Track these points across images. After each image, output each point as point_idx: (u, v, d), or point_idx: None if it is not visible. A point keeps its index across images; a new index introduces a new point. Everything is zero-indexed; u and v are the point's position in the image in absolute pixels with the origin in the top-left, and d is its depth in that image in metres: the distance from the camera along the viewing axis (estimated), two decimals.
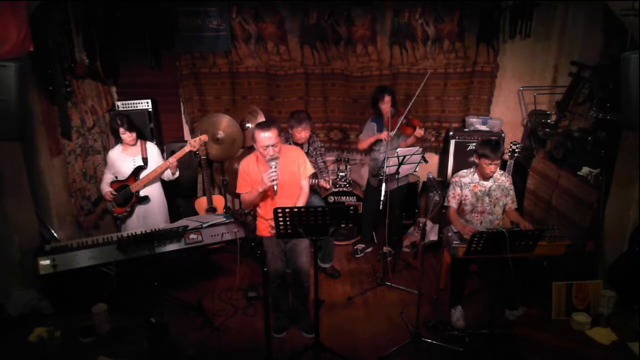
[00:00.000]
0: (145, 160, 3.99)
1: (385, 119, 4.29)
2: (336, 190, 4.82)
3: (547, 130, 4.75)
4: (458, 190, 3.70)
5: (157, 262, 3.58)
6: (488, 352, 3.37)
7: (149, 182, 3.96)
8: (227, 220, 3.77)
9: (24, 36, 2.88)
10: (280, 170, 3.14)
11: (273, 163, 3.11)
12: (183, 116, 5.24)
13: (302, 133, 4.08)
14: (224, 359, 3.41)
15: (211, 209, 4.52)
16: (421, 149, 4.26)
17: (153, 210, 4.05)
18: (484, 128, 5.02)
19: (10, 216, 3.51)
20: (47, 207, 4.10)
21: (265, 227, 3.36)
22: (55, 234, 4.09)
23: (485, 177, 3.64)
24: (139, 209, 4.02)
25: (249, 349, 3.50)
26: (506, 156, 3.97)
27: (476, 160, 3.64)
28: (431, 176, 3.59)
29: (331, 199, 4.90)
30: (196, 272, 4.48)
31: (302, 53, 4.99)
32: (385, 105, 4.30)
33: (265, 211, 3.35)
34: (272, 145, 3.11)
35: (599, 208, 3.79)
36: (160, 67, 4.97)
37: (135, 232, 3.57)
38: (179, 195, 4.81)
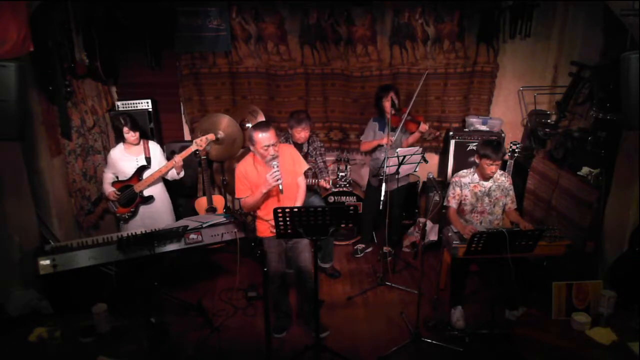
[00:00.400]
0: (148, 159, 3.98)
1: (387, 117, 4.27)
2: (336, 190, 4.81)
3: (547, 130, 4.75)
4: (458, 190, 3.70)
5: (157, 262, 3.58)
6: (488, 352, 3.37)
7: (153, 181, 3.94)
8: (227, 220, 3.77)
9: (24, 36, 2.88)
10: (280, 169, 3.15)
11: (275, 163, 3.12)
12: (183, 116, 5.24)
13: (301, 133, 4.09)
14: (224, 359, 3.41)
15: (211, 209, 4.52)
16: (421, 149, 4.26)
17: (158, 210, 4.05)
18: (484, 128, 5.02)
19: (10, 216, 3.51)
20: (47, 207, 4.09)
21: (265, 227, 3.36)
22: (55, 234, 4.09)
23: (485, 177, 3.64)
24: (144, 210, 4.00)
25: (249, 349, 3.50)
26: (506, 156, 3.97)
27: (477, 161, 3.64)
28: (431, 176, 3.60)
29: (331, 199, 4.89)
30: (196, 272, 4.47)
31: (302, 53, 4.99)
32: (389, 103, 4.30)
33: (266, 212, 3.33)
34: (273, 145, 3.12)
35: (599, 208, 3.80)
36: (160, 67, 4.97)
37: (135, 232, 3.57)
38: (179, 195, 4.81)
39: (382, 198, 4.07)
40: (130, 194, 3.94)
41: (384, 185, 4.08)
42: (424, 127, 4.24)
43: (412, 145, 4.44)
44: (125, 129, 3.85)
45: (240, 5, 4.80)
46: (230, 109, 5.12)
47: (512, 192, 3.72)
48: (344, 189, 4.84)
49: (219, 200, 4.60)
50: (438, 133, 4.91)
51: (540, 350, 2.85)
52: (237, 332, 3.70)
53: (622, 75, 2.91)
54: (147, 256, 3.46)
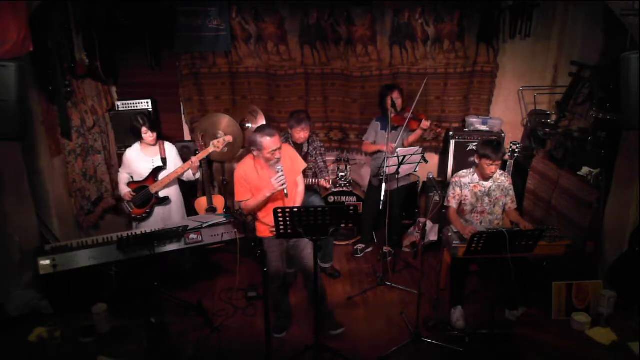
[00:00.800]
0: (164, 160, 3.97)
1: (390, 115, 4.26)
2: (336, 190, 4.81)
3: (547, 130, 4.75)
4: (458, 190, 3.70)
5: (157, 262, 3.58)
6: (488, 352, 3.37)
7: (170, 182, 3.94)
8: (227, 220, 3.77)
9: (24, 36, 2.88)
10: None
11: (279, 167, 3.12)
12: (183, 116, 5.24)
13: (301, 133, 4.09)
14: (223, 359, 3.41)
15: (211, 209, 4.52)
16: (421, 149, 4.27)
17: (173, 211, 4.05)
18: (484, 128, 5.02)
19: (10, 216, 3.51)
20: (47, 207, 4.09)
21: (265, 228, 3.35)
22: (55, 234, 4.09)
23: (485, 177, 3.64)
24: (159, 210, 4.00)
25: (249, 349, 3.50)
26: (506, 156, 3.97)
27: (477, 161, 3.64)
28: (431, 176, 3.60)
29: (331, 199, 4.89)
30: (196, 272, 4.47)
31: (302, 53, 4.99)
32: (390, 101, 4.29)
33: (266, 213, 3.32)
34: (279, 149, 3.13)
35: (599, 208, 3.79)
36: (160, 67, 4.96)
37: (135, 232, 3.56)
38: None
39: (382, 198, 4.08)
40: (146, 194, 3.93)
41: (384, 185, 4.08)
42: (425, 123, 4.23)
43: (412, 144, 4.44)
44: (144, 129, 3.85)
45: (240, 5, 4.80)
46: (230, 109, 5.12)
47: (512, 192, 3.72)
48: (344, 189, 4.83)
49: (219, 200, 4.60)
50: (439, 130, 4.92)
51: (540, 350, 2.86)
52: (237, 332, 3.70)
53: (622, 75, 2.91)
54: (147, 256, 3.45)
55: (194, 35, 4.84)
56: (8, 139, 2.92)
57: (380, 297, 4.17)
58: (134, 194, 3.93)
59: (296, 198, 3.40)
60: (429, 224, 4.63)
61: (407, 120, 4.26)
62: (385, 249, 4.47)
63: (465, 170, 3.77)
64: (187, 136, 5.26)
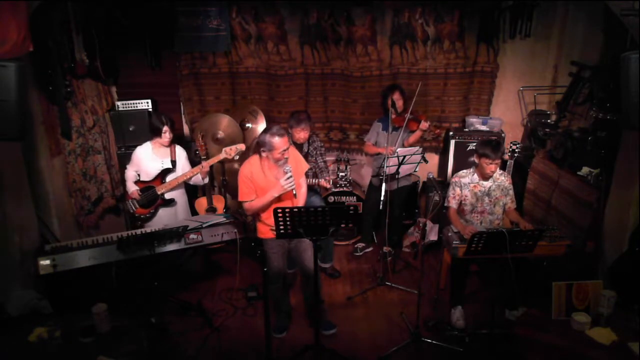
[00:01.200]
0: (173, 163, 3.97)
1: (392, 116, 4.27)
2: (336, 190, 4.82)
3: (547, 130, 4.75)
4: (458, 190, 3.70)
5: (157, 262, 3.58)
6: (488, 352, 3.37)
7: (177, 185, 3.94)
8: (227, 220, 3.77)
9: (24, 36, 2.88)
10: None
11: (288, 167, 3.13)
12: (183, 116, 5.24)
13: (301, 133, 4.09)
14: (223, 359, 3.41)
15: (211, 209, 4.52)
16: (421, 149, 4.27)
17: (177, 213, 4.05)
18: (484, 128, 5.02)
19: (10, 216, 3.51)
20: (47, 207, 4.09)
21: (267, 229, 3.35)
22: (55, 234, 4.09)
23: (485, 177, 3.64)
24: (164, 212, 4.00)
25: (249, 349, 3.50)
26: (506, 156, 3.97)
27: (476, 160, 3.64)
28: (431, 176, 3.60)
29: (331, 199, 4.89)
30: (196, 272, 4.47)
31: (302, 53, 4.98)
32: (390, 102, 4.30)
33: (269, 215, 3.30)
34: (287, 149, 3.15)
35: (599, 208, 3.79)
36: (160, 67, 4.96)
37: (135, 232, 3.56)
38: None
39: (382, 198, 4.08)
40: (152, 195, 3.93)
41: (384, 185, 4.09)
42: (424, 124, 4.25)
43: (412, 145, 4.44)
44: (166, 128, 3.85)
45: (240, 5, 4.80)
46: (230, 109, 5.12)
47: (511, 192, 3.72)
48: (344, 189, 4.84)
49: (219, 200, 4.60)
50: (438, 131, 4.92)
51: (540, 350, 2.86)
52: (237, 332, 3.70)
53: (622, 75, 2.91)
54: (147, 256, 3.45)
55: (194, 35, 4.84)
56: (8, 139, 2.92)
57: (380, 297, 4.17)
58: (141, 193, 3.93)
59: (300, 199, 3.40)
60: (429, 224, 4.63)
61: (406, 121, 4.26)
62: (385, 249, 4.47)
63: (465, 170, 3.77)
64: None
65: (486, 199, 3.67)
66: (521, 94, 5.14)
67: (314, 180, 4.24)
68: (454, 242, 3.50)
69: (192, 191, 5.05)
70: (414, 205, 5.17)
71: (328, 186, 4.20)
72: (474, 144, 4.83)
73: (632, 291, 3.27)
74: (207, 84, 5.10)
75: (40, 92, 3.97)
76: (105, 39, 4.45)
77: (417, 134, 4.37)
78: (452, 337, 3.55)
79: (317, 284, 3.21)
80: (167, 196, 3.97)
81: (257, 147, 3.26)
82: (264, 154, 3.20)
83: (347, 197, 4.92)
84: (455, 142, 4.99)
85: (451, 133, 5.00)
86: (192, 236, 3.60)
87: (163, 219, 3.99)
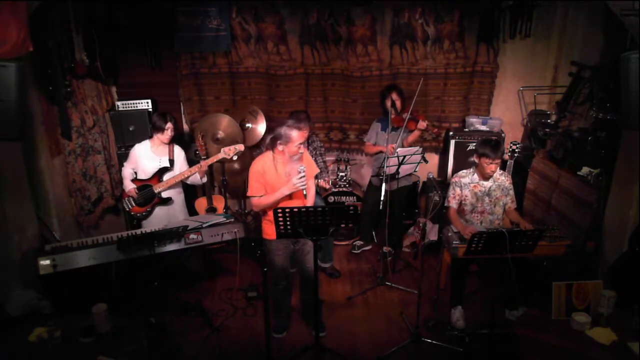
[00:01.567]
0: (171, 162, 3.97)
1: (391, 116, 4.27)
2: (336, 190, 4.82)
3: (547, 130, 4.75)
4: (458, 190, 3.70)
5: (157, 263, 3.58)
6: (488, 352, 3.37)
7: (174, 184, 3.94)
8: (227, 220, 3.77)
9: (24, 36, 2.88)
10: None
11: (302, 167, 3.14)
12: (183, 116, 5.24)
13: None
14: (223, 359, 3.41)
15: (211, 209, 4.52)
16: (421, 149, 4.27)
17: (174, 212, 4.05)
18: (484, 128, 5.02)
19: (10, 216, 3.51)
20: (47, 207, 4.09)
21: (273, 230, 3.33)
22: (55, 234, 4.09)
23: (485, 177, 3.64)
24: (160, 210, 4.00)
25: (249, 349, 3.50)
26: (506, 156, 3.97)
27: (476, 160, 3.64)
28: (431, 176, 3.60)
29: (331, 199, 4.90)
30: (196, 272, 4.47)
31: (302, 53, 4.99)
32: (390, 103, 4.30)
33: None
34: (303, 143, 3.21)
35: (599, 208, 3.79)
36: (160, 67, 4.96)
37: (135, 232, 3.56)
38: None
39: (382, 198, 4.08)
40: (149, 193, 3.93)
41: (384, 185, 4.09)
42: (422, 124, 4.25)
43: (412, 144, 4.44)
44: (169, 124, 3.85)
45: (240, 5, 4.80)
46: (230, 109, 5.12)
47: (512, 192, 3.72)
48: (344, 189, 4.84)
49: (219, 200, 4.60)
50: (436, 130, 4.92)
51: (540, 350, 2.85)
52: (237, 332, 3.70)
53: (622, 75, 2.91)
54: (147, 256, 3.45)
55: (194, 35, 4.84)
56: (8, 139, 2.91)
57: (380, 297, 4.17)
58: (138, 191, 3.93)
59: (309, 200, 3.39)
60: (429, 224, 4.63)
61: (405, 121, 4.26)
62: (385, 249, 4.47)
63: (465, 170, 3.77)
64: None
65: (486, 199, 3.67)
66: (521, 94, 5.14)
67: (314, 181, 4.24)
68: (454, 242, 3.50)
69: (191, 191, 5.06)
70: (414, 205, 5.17)
71: (327, 187, 4.20)
72: (474, 144, 4.83)
73: (632, 291, 3.26)
74: (207, 84, 5.10)
75: (40, 92, 3.97)
76: (105, 39, 4.46)
77: (416, 133, 4.37)
78: (452, 337, 3.55)
79: (316, 287, 3.20)
80: (164, 195, 3.97)
81: (271, 142, 3.26)
82: (280, 147, 3.19)
83: (347, 197, 4.92)
84: (455, 142, 4.99)
85: (451, 133, 5.00)
86: (192, 236, 3.60)
87: (160, 217, 3.99)
